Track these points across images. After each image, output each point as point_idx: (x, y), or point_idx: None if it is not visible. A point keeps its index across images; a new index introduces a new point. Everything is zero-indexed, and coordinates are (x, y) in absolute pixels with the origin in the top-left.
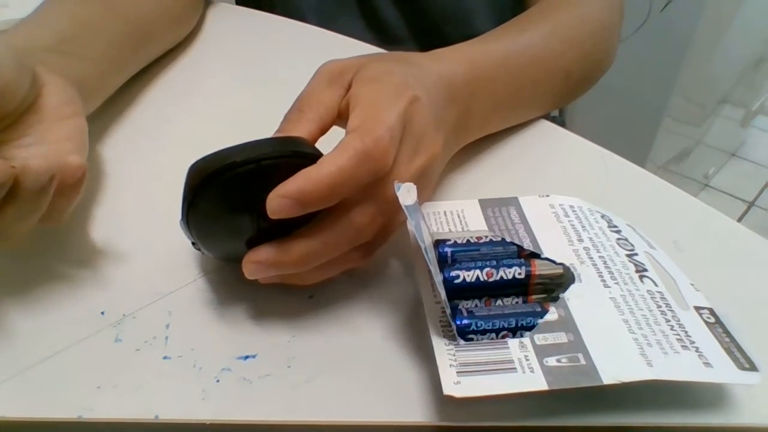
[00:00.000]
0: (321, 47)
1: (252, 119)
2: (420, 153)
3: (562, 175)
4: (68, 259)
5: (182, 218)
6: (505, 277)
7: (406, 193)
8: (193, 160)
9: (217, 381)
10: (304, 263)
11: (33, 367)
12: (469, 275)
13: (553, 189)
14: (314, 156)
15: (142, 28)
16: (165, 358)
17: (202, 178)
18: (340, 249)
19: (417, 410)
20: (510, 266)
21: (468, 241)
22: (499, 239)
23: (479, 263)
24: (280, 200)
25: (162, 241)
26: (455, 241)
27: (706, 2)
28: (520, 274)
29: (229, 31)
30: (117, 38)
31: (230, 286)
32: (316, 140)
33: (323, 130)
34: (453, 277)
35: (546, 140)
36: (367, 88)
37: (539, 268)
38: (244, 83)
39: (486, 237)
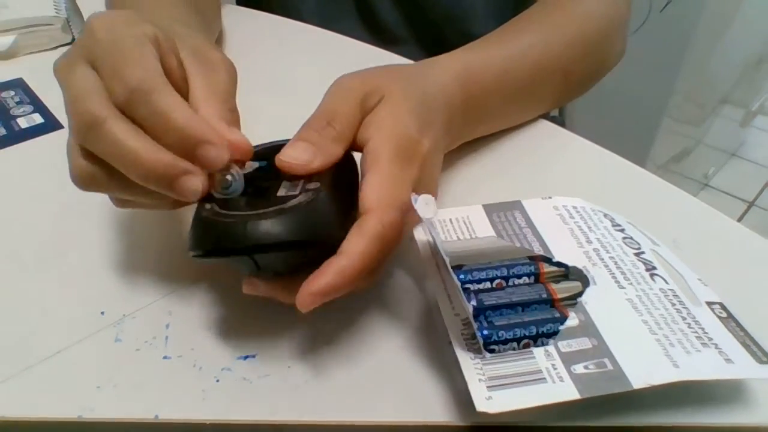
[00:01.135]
0: (321, 47)
1: (252, 119)
2: None
3: (562, 176)
4: (68, 259)
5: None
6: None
7: (425, 206)
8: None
9: (217, 381)
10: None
11: (33, 367)
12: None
13: (553, 189)
14: (314, 242)
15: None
16: (165, 358)
17: (196, 249)
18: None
19: (417, 410)
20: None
21: (481, 267)
22: (513, 263)
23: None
24: (311, 297)
25: (162, 241)
26: (471, 269)
27: (706, 2)
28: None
29: (229, 30)
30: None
31: (230, 286)
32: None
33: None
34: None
35: (546, 140)
36: (385, 146)
37: (559, 293)
38: (243, 83)
39: (500, 262)
